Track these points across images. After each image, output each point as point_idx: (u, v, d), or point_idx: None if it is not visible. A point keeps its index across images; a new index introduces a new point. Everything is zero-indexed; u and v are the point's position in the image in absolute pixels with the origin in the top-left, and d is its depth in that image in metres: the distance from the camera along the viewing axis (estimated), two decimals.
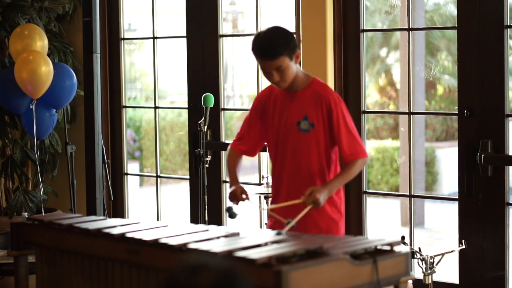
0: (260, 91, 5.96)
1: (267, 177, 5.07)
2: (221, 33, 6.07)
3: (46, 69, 5.68)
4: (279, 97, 4.15)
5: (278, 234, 3.67)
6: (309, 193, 3.89)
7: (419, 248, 4.60)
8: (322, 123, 4.02)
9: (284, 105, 4.11)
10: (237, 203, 4.13)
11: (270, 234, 3.70)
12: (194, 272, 1.73)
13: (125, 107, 6.65)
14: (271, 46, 3.95)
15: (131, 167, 11.10)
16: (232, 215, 3.97)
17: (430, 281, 4.54)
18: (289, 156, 4.09)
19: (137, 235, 3.71)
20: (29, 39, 5.76)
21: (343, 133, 3.99)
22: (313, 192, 3.88)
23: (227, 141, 6.14)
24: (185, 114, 8.35)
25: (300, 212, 3.94)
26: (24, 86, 5.66)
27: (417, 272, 4.58)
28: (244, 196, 4.11)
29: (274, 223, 4.13)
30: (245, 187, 4.21)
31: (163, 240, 3.58)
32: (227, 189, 6.12)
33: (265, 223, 5.11)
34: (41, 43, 5.82)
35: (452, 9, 11.16)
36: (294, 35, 5.50)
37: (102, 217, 4.56)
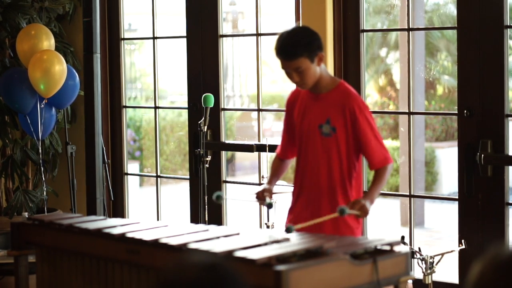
0: (261, 92, 6.00)
1: (267, 177, 5.06)
2: (221, 33, 6.07)
3: (60, 68, 5.71)
4: (304, 98, 4.09)
5: (288, 230, 3.67)
6: (354, 201, 3.87)
7: (419, 248, 4.60)
8: (345, 128, 3.96)
9: (308, 107, 4.05)
10: (260, 202, 4.14)
11: (270, 234, 3.70)
12: (180, 268, 1.75)
13: (125, 107, 6.66)
14: (290, 46, 3.90)
15: (131, 167, 11.10)
16: (218, 198, 4.00)
17: (430, 281, 4.54)
18: (310, 160, 4.05)
19: (137, 235, 3.71)
20: (36, 39, 5.78)
21: (370, 140, 3.94)
22: (358, 200, 3.86)
23: (227, 141, 6.14)
24: (185, 114, 8.35)
25: (314, 217, 3.91)
26: (37, 86, 5.69)
27: (417, 272, 4.59)
28: (266, 196, 4.10)
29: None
30: (247, 188, 4.21)
31: (163, 240, 3.58)
32: (227, 189, 6.14)
33: (265, 223, 5.12)
34: (48, 42, 5.84)
35: (452, 9, 11.16)
36: None
37: (102, 217, 4.57)
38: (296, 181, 4.14)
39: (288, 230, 3.71)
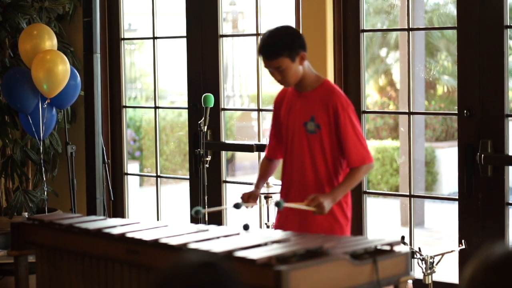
0: (261, 92, 6.00)
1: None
2: (221, 33, 6.07)
3: (63, 68, 5.72)
4: (290, 96, 4.14)
5: (277, 205, 3.79)
6: (312, 198, 3.88)
7: (419, 248, 4.60)
8: (328, 125, 3.99)
9: (293, 105, 4.11)
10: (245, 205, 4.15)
11: (271, 234, 3.70)
12: (176, 267, 1.76)
13: (125, 107, 6.66)
14: (270, 46, 3.96)
15: (131, 167, 11.10)
16: (197, 213, 4.00)
17: (430, 281, 4.54)
18: (296, 157, 4.08)
19: (137, 235, 3.71)
20: (38, 39, 5.79)
21: (349, 138, 3.96)
22: (316, 197, 3.88)
23: (227, 141, 6.14)
24: (185, 114, 8.35)
25: (304, 214, 3.94)
26: (40, 85, 5.69)
27: (417, 272, 4.58)
28: (250, 200, 4.12)
29: (280, 224, 4.12)
30: (246, 187, 4.22)
31: (163, 240, 3.58)
32: (227, 189, 6.14)
33: (265, 223, 5.12)
34: (50, 42, 5.85)
35: (452, 9, 11.16)
36: None
37: (102, 217, 4.57)
38: (284, 180, 4.18)
39: (277, 204, 3.83)
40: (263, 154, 5.79)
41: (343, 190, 3.96)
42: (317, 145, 4.01)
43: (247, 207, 4.13)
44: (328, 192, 3.96)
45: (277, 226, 4.15)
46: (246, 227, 3.84)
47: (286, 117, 4.12)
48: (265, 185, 5.04)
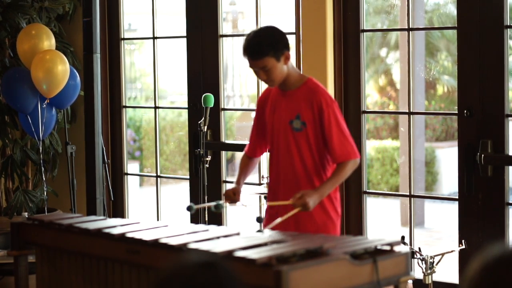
0: (260, 92, 6.00)
1: (267, 177, 5.07)
2: (221, 33, 6.07)
3: (62, 68, 5.72)
4: (274, 96, 4.19)
5: (189, 209, 3.91)
6: (299, 196, 3.90)
7: (419, 248, 4.60)
8: (313, 122, 4.04)
9: (278, 104, 4.16)
10: (229, 202, 4.18)
11: (270, 234, 3.70)
12: (177, 266, 1.77)
13: (125, 107, 6.65)
14: (255, 46, 4.02)
15: (131, 167, 11.10)
16: (189, 209, 4.04)
17: (430, 281, 4.54)
18: (283, 155, 4.12)
19: (137, 235, 3.71)
20: (37, 39, 5.79)
21: (334, 134, 4.01)
22: (303, 195, 3.90)
23: (227, 141, 6.14)
24: (185, 114, 8.35)
25: (297, 212, 3.96)
26: (40, 85, 5.70)
27: (417, 272, 4.58)
28: (235, 196, 4.15)
29: (269, 222, 4.14)
30: (247, 187, 4.24)
31: (163, 240, 3.58)
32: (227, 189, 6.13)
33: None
34: (48, 42, 5.85)
35: (452, 9, 11.15)
36: (293, 35, 5.50)
37: (102, 217, 4.57)
38: (271, 178, 4.21)
39: (189, 209, 3.97)
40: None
41: (329, 187, 4.00)
42: (304, 142, 4.06)
43: (231, 204, 4.18)
44: (315, 187, 3.99)
45: (268, 224, 4.17)
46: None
47: (271, 116, 4.16)
48: (264, 184, 5.05)
